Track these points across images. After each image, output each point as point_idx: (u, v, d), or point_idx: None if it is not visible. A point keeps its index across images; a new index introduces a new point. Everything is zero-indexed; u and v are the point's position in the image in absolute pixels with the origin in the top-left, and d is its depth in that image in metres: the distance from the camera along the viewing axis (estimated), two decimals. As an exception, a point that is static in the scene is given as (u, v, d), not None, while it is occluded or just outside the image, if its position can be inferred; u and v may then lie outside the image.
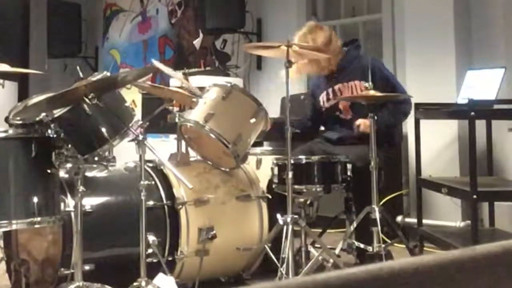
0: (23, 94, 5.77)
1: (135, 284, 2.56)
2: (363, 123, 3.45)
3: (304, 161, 3.23)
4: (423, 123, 3.95)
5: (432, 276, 0.84)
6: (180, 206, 2.97)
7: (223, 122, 3.03)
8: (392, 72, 3.90)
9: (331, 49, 3.58)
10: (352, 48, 3.74)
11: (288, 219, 2.92)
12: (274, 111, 4.67)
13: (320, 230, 3.67)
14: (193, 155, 3.31)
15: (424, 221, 3.98)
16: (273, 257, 2.97)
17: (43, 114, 2.55)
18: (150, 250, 2.73)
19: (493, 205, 3.92)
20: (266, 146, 4.48)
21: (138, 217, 2.58)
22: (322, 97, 3.73)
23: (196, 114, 3.03)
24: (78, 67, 2.86)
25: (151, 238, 2.77)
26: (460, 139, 4.20)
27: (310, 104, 3.86)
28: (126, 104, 2.78)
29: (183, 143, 3.31)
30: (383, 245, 3.12)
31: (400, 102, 3.63)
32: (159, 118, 3.23)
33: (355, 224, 3.20)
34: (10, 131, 2.58)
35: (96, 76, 2.71)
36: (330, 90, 3.70)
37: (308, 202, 3.29)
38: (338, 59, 3.66)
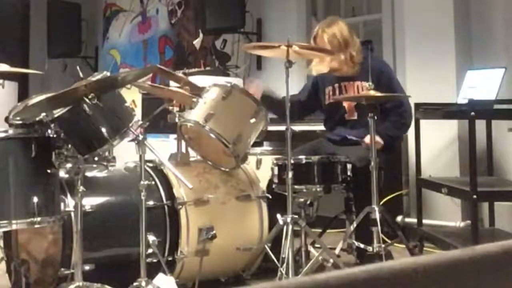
0: (23, 94, 5.78)
1: (135, 284, 2.56)
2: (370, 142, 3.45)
3: (304, 161, 3.23)
4: (423, 123, 3.95)
5: (432, 276, 0.84)
6: (180, 206, 2.97)
7: (223, 122, 3.03)
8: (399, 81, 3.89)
9: (354, 44, 3.61)
10: (364, 49, 3.73)
11: (288, 219, 2.92)
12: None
13: (320, 230, 3.67)
14: (193, 155, 3.31)
15: (424, 221, 3.98)
16: (273, 257, 2.97)
17: (43, 114, 2.55)
18: (150, 250, 2.73)
19: (493, 205, 3.92)
20: (266, 146, 4.48)
21: (138, 217, 2.58)
22: (328, 91, 3.71)
23: (196, 114, 3.03)
24: (78, 67, 2.86)
25: (151, 238, 2.77)
26: (460, 139, 4.20)
27: (306, 91, 3.84)
28: (126, 104, 2.78)
29: (183, 143, 3.31)
30: (383, 245, 3.12)
31: (404, 116, 3.62)
32: (159, 118, 3.23)
33: (355, 224, 3.20)
34: (10, 131, 2.58)
35: (96, 76, 2.71)
36: (336, 85, 3.68)
37: (308, 202, 3.29)
38: (359, 56, 3.64)
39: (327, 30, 3.58)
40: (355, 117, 3.63)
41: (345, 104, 3.65)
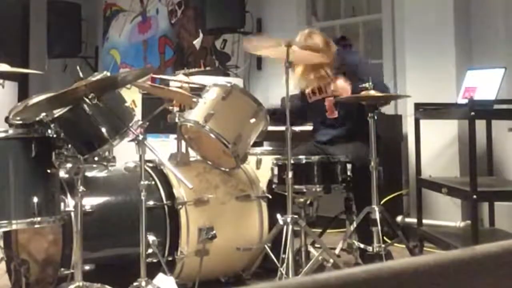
0: (23, 94, 5.78)
1: (135, 284, 2.56)
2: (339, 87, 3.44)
3: (304, 161, 3.23)
4: (423, 123, 3.95)
5: (432, 276, 0.84)
6: (180, 206, 2.97)
7: (223, 122, 3.03)
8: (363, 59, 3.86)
9: (329, 53, 3.58)
10: (340, 48, 3.71)
11: (288, 219, 2.92)
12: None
13: (320, 230, 3.67)
14: (193, 155, 3.31)
15: (424, 221, 3.99)
16: (273, 257, 2.97)
17: (43, 114, 2.55)
18: (150, 250, 2.73)
19: (493, 205, 3.92)
20: (266, 146, 4.48)
21: (138, 217, 2.58)
22: (308, 91, 3.69)
23: (196, 114, 3.03)
24: (78, 67, 2.86)
25: (151, 238, 2.77)
26: (460, 139, 4.20)
27: (298, 95, 3.84)
28: (126, 104, 2.78)
29: (183, 143, 3.31)
30: (383, 245, 3.12)
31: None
32: (159, 118, 3.23)
33: (355, 224, 3.20)
34: (10, 131, 2.58)
35: (96, 76, 2.71)
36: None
37: (308, 202, 3.29)
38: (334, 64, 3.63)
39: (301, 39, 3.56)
40: (336, 115, 3.62)
41: (326, 102, 3.64)
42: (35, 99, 2.71)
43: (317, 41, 3.53)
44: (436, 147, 4.31)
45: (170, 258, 2.93)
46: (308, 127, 4.21)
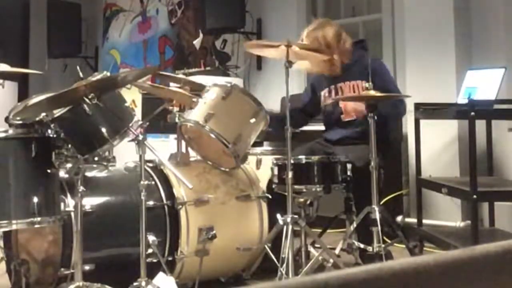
0: (23, 94, 5.77)
1: (135, 284, 2.56)
2: (351, 108, 3.49)
3: (304, 161, 3.23)
4: (423, 123, 3.95)
5: (432, 276, 0.84)
6: (180, 206, 2.97)
7: (223, 122, 3.03)
8: (393, 77, 3.89)
9: (339, 47, 3.61)
10: (358, 48, 3.74)
11: (288, 219, 2.92)
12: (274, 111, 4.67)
13: (320, 230, 3.67)
14: (193, 155, 3.31)
15: (424, 221, 3.98)
16: (273, 257, 2.97)
17: (43, 114, 2.55)
18: (150, 250, 2.73)
19: (493, 205, 3.92)
20: (266, 146, 4.48)
21: (138, 217, 2.58)
22: (324, 93, 3.72)
23: (196, 114, 3.03)
24: (78, 67, 2.86)
25: (151, 238, 2.77)
26: (460, 139, 4.20)
27: (308, 96, 3.85)
28: (126, 104, 2.78)
29: (183, 143, 3.31)
30: (383, 245, 3.12)
31: (397, 105, 3.64)
32: (159, 118, 3.23)
33: (355, 224, 3.20)
34: (10, 131, 2.58)
35: (96, 76, 2.71)
36: (332, 87, 3.70)
37: (308, 202, 3.29)
38: (346, 58, 3.67)
39: (311, 34, 3.63)
40: (352, 117, 3.64)
41: (341, 105, 3.65)
42: (35, 99, 2.71)
43: (328, 33, 3.59)
44: (436, 147, 4.31)
45: (170, 258, 2.93)
46: (309, 127, 4.21)
